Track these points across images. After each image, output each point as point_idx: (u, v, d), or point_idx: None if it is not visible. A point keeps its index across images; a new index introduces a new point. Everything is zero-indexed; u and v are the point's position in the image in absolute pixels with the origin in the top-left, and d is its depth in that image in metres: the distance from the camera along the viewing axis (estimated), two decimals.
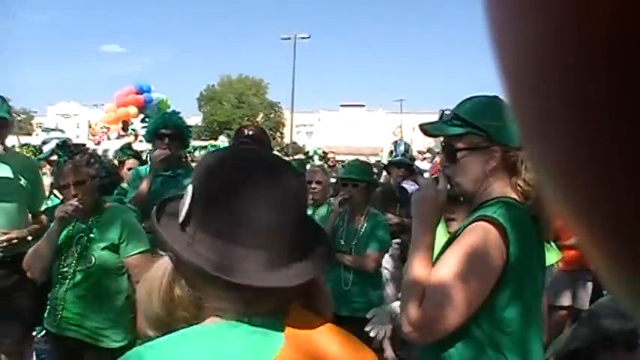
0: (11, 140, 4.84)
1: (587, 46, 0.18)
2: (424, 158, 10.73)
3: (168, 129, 3.62)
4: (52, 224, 2.67)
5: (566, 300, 4.34)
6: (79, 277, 2.59)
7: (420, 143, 13.90)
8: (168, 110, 5.43)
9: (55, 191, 3.77)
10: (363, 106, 63.54)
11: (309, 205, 3.93)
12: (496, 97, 1.57)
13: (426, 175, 5.55)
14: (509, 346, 1.44)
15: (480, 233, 1.43)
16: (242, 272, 0.84)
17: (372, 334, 2.67)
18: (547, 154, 0.23)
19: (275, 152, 9.17)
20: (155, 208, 0.97)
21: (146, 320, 0.92)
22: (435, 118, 1.67)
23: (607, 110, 0.19)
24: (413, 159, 5.94)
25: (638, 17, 0.17)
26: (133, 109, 13.58)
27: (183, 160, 4.24)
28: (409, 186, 4.62)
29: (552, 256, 3.11)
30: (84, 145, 7.72)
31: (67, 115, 61.62)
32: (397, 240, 4.20)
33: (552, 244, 2.73)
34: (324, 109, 64.04)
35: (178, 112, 4.01)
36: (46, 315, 2.72)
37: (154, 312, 0.90)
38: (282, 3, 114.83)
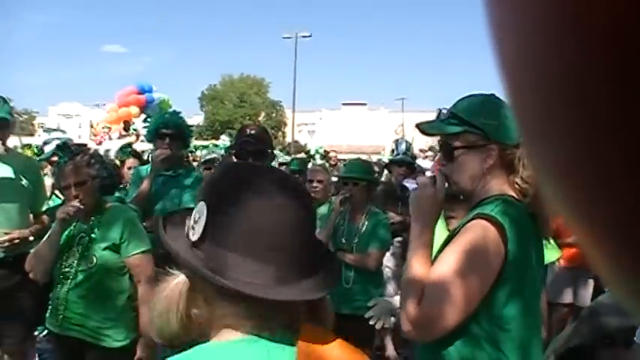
0: (13, 141, 4.85)
1: (586, 44, 0.18)
2: (426, 156, 10.72)
3: (169, 129, 3.62)
4: (53, 225, 2.68)
5: (567, 297, 4.34)
6: (80, 277, 2.60)
7: (422, 141, 13.89)
8: (169, 110, 5.44)
9: (57, 192, 3.77)
10: (364, 104, 63.63)
11: None
12: (493, 95, 1.58)
13: (428, 173, 5.55)
14: (508, 344, 1.44)
15: (478, 231, 1.43)
16: (258, 287, 0.86)
17: (371, 322, 2.67)
18: (547, 154, 0.23)
19: (277, 151, 9.19)
20: (161, 225, 0.99)
21: (161, 336, 0.94)
22: None
23: (607, 110, 0.19)
24: (414, 157, 5.93)
25: (637, 15, 0.17)
26: (134, 109, 13.57)
27: (185, 159, 4.25)
28: (411, 184, 4.62)
29: (553, 254, 3.12)
30: (85, 145, 7.73)
31: (69, 116, 61.76)
32: (399, 238, 4.21)
33: (552, 241, 2.73)
34: (326, 107, 64.14)
35: (179, 112, 4.02)
36: (48, 315, 2.72)
37: (172, 329, 0.92)
38: (283, 2, 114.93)
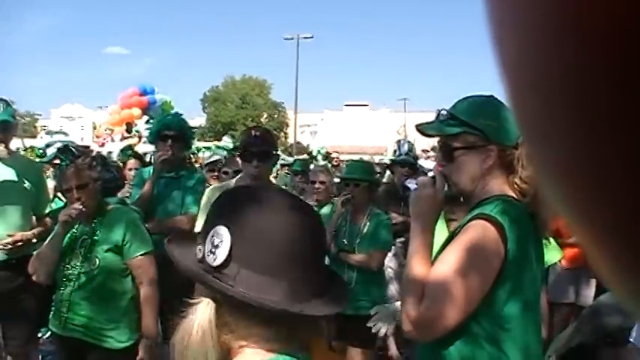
0: (16, 143, 4.87)
1: (586, 46, 0.18)
2: (428, 157, 10.71)
3: (170, 130, 3.63)
4: (55, 227, 2.68)
5: (569, 297, 4.33)
6: (83, 278, 2.61)
7: (424, 142, 13.88)
8: (172, 112, 5.44)
9: (59, 194, 3.78)
10: (366, 105, 63.56)
11: (314, 205, 3.93)
12: (492, 96, 1.59)
13: (430, 174, 5.54)
14: (509, 343, 1.44)
15: (478, 231, 1.44)
16: (294, 305, 0.90)
17: (373, 330, 2.68)
18: (547, 154, 0.23)
19: (279, 152, 9.18)
20: (169, 253, 0.99)
21: None
22: None
23: (607, 111, 0.19)
24: (416, 158, 5.92)
25: (637, 18, 0.17)
26: (136, 111, 13.59)
27: (187, 161, 4.25)
28: (413, 185, 4.61)
29: (554, 255, 3.11)
30: (88, 147, 7.75)
31: (72, 118, 61.87)
32: (401, 239, 4.21)
33: (554, 242, 2.72)
34: (328, 108, 64.09)
35: (181, 114, 4.03)
36: (51, 316, 2.73)
37: (207, 353, 0.92)
38: (284, 3, 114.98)
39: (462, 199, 1.71)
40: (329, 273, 1.05)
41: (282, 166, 8.65)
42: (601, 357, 2.19)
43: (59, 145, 5.37)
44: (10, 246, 3.33)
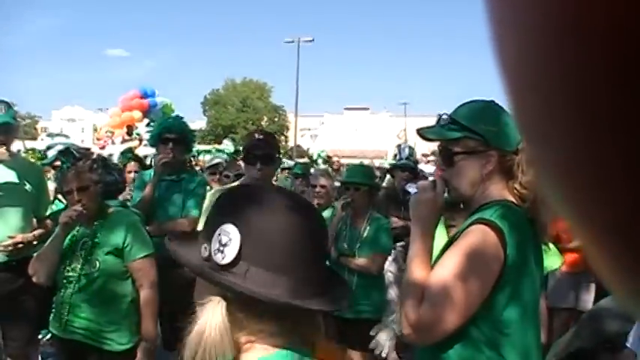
0: (17, 145, 4.86)
1: (586, 46, 0.18)
2: (428, 161, 10.69)
3: (171, 133, 3.63)
4: (56, 229, 2.68)
5: (569, 302, 4.32)
6: (84, 281, 2.61)
7: (425, 146, 13.86)
8: (172, 115, 5.43)
9: (60, 196, 3.78)
10: (367, 109, 63.52)
11: None
12: (493, 102, 1.60)
13: (431, 178, 5.53)
14: (508, 347, 1.45)
15: (477, 235, 1.44)
16: (304, 300, 0.92)
17: (376, 352, 2.69)
18: (547, 154, 0.23)
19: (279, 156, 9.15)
20: (172, 252, 1.00)
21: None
22: None
23: (607, 111, 0.19)
24: (417, 162, 5.92)
25: (637, 18, 0.17)
26: (137, 114, 13.59)
27: (188, 164, 4.25)
28: (413, 189, 4.60)
29: (555, 261, 3.10)
30: (89, 149, 7.74)
31: (72, 120, 61.86)
32: (401, 243, 4.20)
33: (554, 247, 2.72)
34: (328, 112, 64.06)
35: (182, 117, 4.03)
36: (51, 318, 2.73)
37: (225, 351, 0.93)
38: (285, 6, 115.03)
39: (461, 205, 1.72)
40: (330, 271, 1.07)
41: (283, 169, 8.63)
42: None
43: (60, 147, 5.38)
44: (10, 247, 3.33)
